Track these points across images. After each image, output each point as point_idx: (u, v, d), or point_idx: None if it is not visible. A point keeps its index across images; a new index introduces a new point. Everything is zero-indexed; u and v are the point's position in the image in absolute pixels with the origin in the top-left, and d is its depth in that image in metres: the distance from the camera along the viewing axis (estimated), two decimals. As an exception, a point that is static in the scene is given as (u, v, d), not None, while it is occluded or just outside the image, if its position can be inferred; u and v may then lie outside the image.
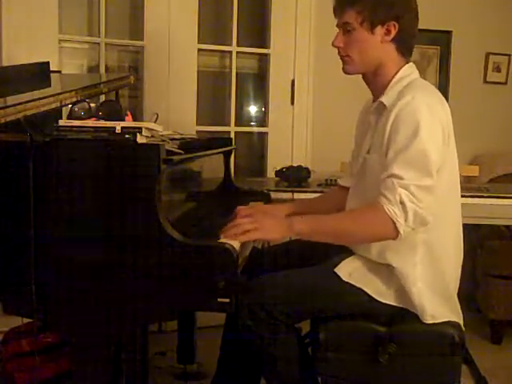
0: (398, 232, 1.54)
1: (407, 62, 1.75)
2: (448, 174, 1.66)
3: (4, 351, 2.29)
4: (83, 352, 1.56)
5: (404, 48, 1.73)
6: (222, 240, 1.54)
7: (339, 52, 1.75)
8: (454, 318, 1.72)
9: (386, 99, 1.68)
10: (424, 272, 1.66)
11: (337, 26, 1.75)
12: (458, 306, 1.75)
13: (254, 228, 1.58)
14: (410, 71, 1.73)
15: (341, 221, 1.66)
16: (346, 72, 1.76)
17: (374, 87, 1.78)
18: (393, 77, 1.72)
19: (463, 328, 1.73)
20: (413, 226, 1.56)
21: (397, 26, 1.68)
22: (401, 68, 1.73)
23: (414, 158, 1.55)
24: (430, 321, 1.67)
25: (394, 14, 1.67)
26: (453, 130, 1.68)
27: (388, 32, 1.69)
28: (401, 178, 1.54)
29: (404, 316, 1.69)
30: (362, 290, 1.68)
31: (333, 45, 1.74)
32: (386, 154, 1.61)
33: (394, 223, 1.53)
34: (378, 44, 1.70)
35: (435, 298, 1.68)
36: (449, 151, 1.66)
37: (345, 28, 1.71)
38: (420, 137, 1.54)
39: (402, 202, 1.53)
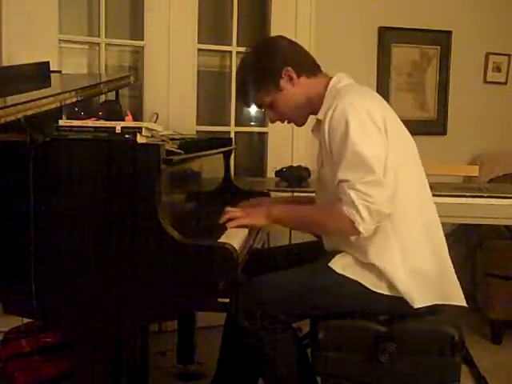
0: (358, 230, 1.60)
1: (332, 76, 1.84)
2: (395, 164, 1.66)
3: (4, 351, 2.29)
4: (83, 352, 1.57)
5: (306, 69, 1.83)
6: (222, 240, 1.53)
7: (281, 122, 1.93)
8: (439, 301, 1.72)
9: (320, 114, 1.79)
10: (400, 258, 1.68)
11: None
12: (450, 289, 1.75)
13: (242, 215, 1.78)
14: (336, 82, 1.82)
15: (311, 212, 1.81)
16: (300, 126, 1.93)
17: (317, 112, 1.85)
18: (323, 95, 1.81)
19: (465, 304, 1.75)
20: (373, 222, 1.60)
21: (290, 68, 1.81)
22: (327, 84, 1.82)
23: (351, 161, 1.62)
24: (417, 305, 1.67)
25: (281, 64, 1.81)
26: (394, 119, 1.74)
27: (290, 78, 1.81)
28: (347, 181, 1.61)
29: (404, 315, 1.70)
30: (357, 282, 1.70)
31: (271, 122, 1.94)
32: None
33: (353, 222, 1.59)
34: (293, 89, 1.82)
35: (413, 280, 1.68)
36: (391, 141, 1.66)
37: (265, 106, 1.87)
38: (349, 139, 1.62)
39: (353, 202, 1.59)
